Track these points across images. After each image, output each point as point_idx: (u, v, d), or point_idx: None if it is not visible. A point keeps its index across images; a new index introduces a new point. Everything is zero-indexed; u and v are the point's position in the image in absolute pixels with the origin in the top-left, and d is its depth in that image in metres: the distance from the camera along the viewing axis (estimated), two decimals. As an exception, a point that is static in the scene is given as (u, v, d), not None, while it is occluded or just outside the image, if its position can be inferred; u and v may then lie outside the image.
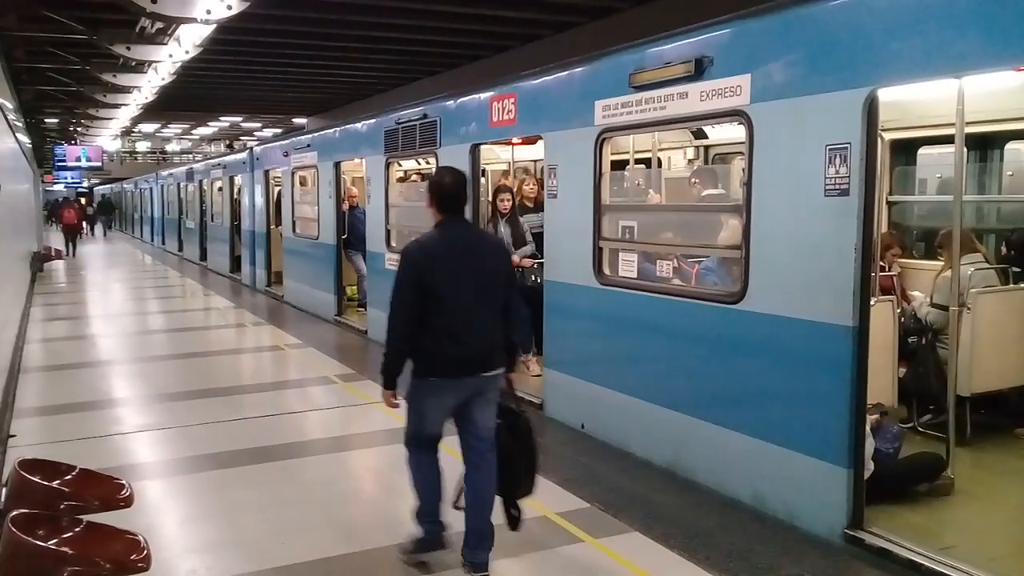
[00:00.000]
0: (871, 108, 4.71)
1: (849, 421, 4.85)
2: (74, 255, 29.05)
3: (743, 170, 5.65)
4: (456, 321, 4.52)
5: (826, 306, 4.96)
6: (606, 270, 7.07)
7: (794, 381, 5.24)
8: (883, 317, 6.12)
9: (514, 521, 4.82)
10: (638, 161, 9.38)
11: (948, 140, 6.14)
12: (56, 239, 31.59)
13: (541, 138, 7.95)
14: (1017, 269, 6.94)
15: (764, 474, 5.45)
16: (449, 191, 4.76)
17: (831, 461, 4.95)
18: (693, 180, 7.34)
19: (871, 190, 4.78)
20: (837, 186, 4.88)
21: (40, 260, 22.75)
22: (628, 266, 6.92)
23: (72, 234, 30.74)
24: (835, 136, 4.88)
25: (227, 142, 48.31)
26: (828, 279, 4.94)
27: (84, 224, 38.88)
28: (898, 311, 6.59)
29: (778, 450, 5.32)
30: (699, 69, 5.89)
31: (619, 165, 8.78)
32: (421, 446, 4.76)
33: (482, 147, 9.18)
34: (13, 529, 3.16)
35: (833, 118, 4.91)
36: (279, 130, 44.08)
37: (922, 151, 8.14)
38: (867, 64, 4.73)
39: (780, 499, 5.33)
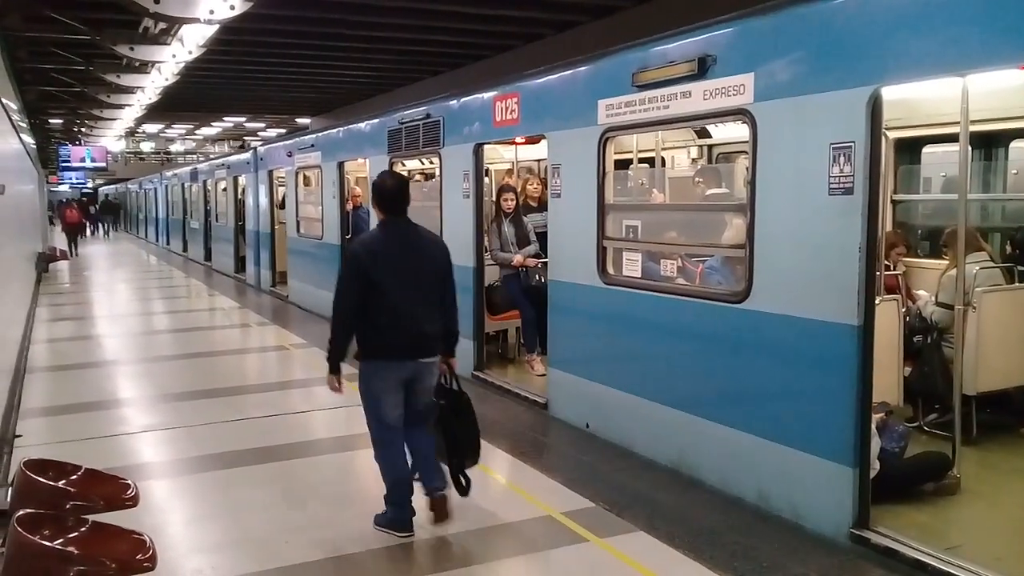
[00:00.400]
0: (875, 106, 4.70)
1: (855, 420, 4.84)
2: (76, 254, 29.35)
3: (747, 169, 5.65)
4: (397, 311, 5.00)
5: (830, 305, 4.95)
6: (610, 269, 7.07)
7: (799, 380, 5.24)
8: (888, 316, 6.11)
9: (463, 489, 5.29)
10: (642, 160, 9.38)
11: (953, 139, 6.13)
12: (60, 239, 31.64)
13: (544, 137, 7.94)
14: (1022, 268, 6.92)
15: (769, 473, 5.44)
16: (390, 193, 5.24)
17: (837, 460, 4.95)
18: (697, 179, 7.34)
19: (875, 189, 4.76)
20: (841, 185, 4.87)
21: (45, 261, 22.79)
22: (632, 265, 6.91)
23: (74, 234, 31.27)
24: (839, 135, 4.88)
25: (240, 143, 48.34)
26: (832, 278, 4.93)
27: (87, 224, 39.43)
28: (903, 310, 6.57)
29: (783, 449, 5.31)
30: (702, 68, 5.88)
31: (622, 165, 8.78)
32: (387, 438, 5.19)
33: (486, 147, 9.16)
34: (19, 529, 3.16)
35: (837, 117, 4.90)
36: (283, 130, 44.09)
37: (926, 150, 8.13)
38: (870, 62, 4.72)
39: (785, 498, 5.32)
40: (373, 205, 5.37)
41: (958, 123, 5.40)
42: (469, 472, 5.33)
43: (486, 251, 9.29)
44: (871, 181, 4.74)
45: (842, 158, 4.86)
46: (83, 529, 3.47)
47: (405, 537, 5.17)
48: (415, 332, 5.07)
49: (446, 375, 5.36)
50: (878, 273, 5.61)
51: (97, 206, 51.55)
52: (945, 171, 7.97)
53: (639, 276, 6.85)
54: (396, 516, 5.22)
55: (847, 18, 4.93)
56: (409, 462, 5.27)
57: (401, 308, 5.01)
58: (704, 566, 4.72)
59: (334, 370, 5.17)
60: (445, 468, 5.27)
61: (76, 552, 3.31)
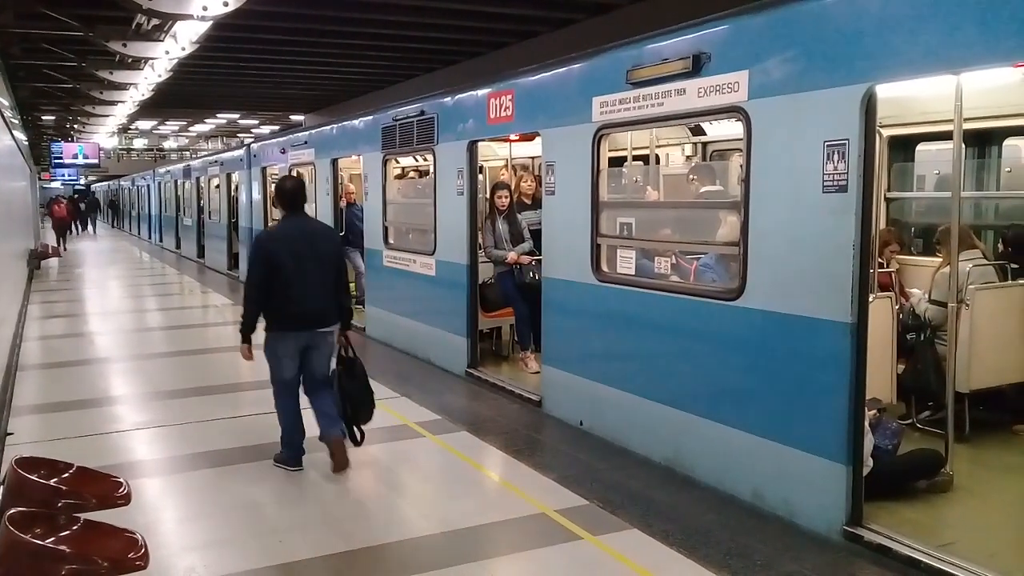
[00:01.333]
0: (869, 104, 4.70)
1: (848, 417, 4.84)
2: (64, 249, 29.74)
3: (741, 166, 5.65)
4: (294, 290, 6.04)
5: (824, 302, 4.96)
6: (604, 267, 7.06)
7: (792, 377, 5.24)
8: (882, 313, 6.12)
9: (356, 440, 6.46)
10: (636, 158, 9.37)
11: (946, 136, 6.14)
12: (51, 236, 31.61)
13: (539, 134, 7.93)
14: (1015, 265, 6.93)
15: (763, 471, 5.44)
16: (289, 194, 6.39)
17: (830, 458, 4.95)
18: (691, 176, 7.34)
19: (869, 187, 4.76)
20: (835, 182, 4.87)
21: (37, 258, 22.72)
22: (626, 263, 6.91)
23: (63, 230, 32.60)
24: (833, 132, 4.88)
25: (242, 140, 48.31)
26: (826, 275, 4.94)
27: (75, 220, 40.45)
28: (897, 308, 6.59)
29: (777, 447, 5.31)
30: (697, 65, 5.88)
31: (617, 162, 8.77)
32: (283, 392, 6.35)
33: (481, 144, 9.16)
34: (10, 528, 3.14)
35: (831, 114, 4.90)
36: (276, 127, 44.00)
37: (920, 147, 8.14)
38: (864, 60, 4.72)
39: (779, 496, 5.33)
40: (274, 204, 6.58)
41: (951, 121, 5.40)
42: (364, 427, 6.48)
43: (479, 248, 9.29)
44: (865, 179, 4.73)
45: (836, 155, 4.86)
46: (75, 527, 3.44)
47: (295, 470, 6.30)
48: (309, 307, 6.14)
49: (344, 346, 6.40)
50: (872, 271, 5.62)
51: (86, 202, 51.69)
52: (938, 169, 7.98)
53: (633, 273, 6.85)
54: (289, 455, 6.37)
55: (840, 16, 4.93)
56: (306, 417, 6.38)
57: (297, 288, 6.05)
58: (698, 564, 4.72)
59: (246, 340, 6.25)
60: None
61: (68, 551, 3.28)
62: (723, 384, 5.82)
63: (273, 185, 17.26)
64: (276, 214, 16.10)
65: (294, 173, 15.61)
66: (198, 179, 25.07)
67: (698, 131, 10.05)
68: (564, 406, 7.58)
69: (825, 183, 4.92)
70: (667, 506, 5.61)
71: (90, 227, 46.19)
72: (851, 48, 4.81)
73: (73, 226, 40.17)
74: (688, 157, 10.37)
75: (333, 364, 6.41)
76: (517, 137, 10.24)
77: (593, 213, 7.07)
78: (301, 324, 6.15)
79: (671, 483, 6.04)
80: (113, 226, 49.67)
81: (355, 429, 6.40)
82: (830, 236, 4.90)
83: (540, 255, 8.39)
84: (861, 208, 4.75)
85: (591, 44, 7.71)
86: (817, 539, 5.00)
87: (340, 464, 6.20)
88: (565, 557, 4.91)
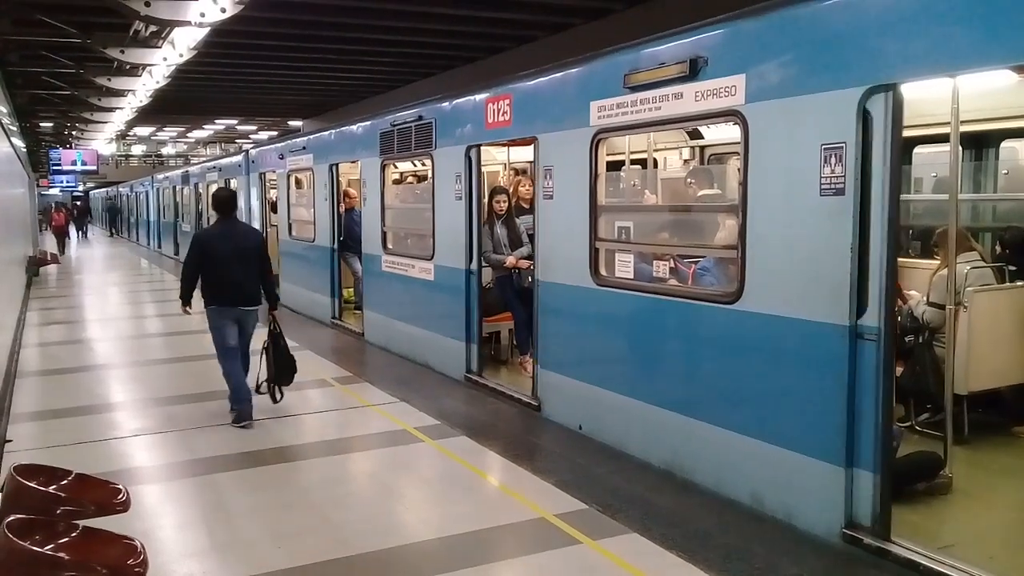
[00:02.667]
0: (866, 107, 4.71)
1: (876, 426, 4.78)
2: (62, 253, 30.75)
3: (739, 170, 5.65)
4: (222, 275, 7.66)
5: (822, 305, 4.96)
6: (602, 271, 7.07)
7: (791, 380, 5.24)
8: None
9: (275, 399, 8.03)
10: (634, 162, 9.38)
11: (943, 139, 6.14)
12: (49, 243, 31.65)
13: (536, 139, 7.92)
14: (1013, 267, 6.94)
15: (762, 474, 5.44)
16: (222, 201, 8.06)
17: (828, 460, 4.95)
18: (689, 180, 7.34)
19: (868, 190, 4.76)
20: (832, 185, 4.87)
21: (36, 264, 22.71)
22: (624, 267, 6.91)
23: (61, 236, 34.82)
24: (830, 135, 4.88)
25: (240, 146, 48.43)
26: (824, 278, 4.94)
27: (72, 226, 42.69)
28: (895, 310, 6.57)
29: (776, 449, 5.31)
30: (694, 69, 5.89)
31: (614, 166, 8.78)
32: (227, 356, 7.79)
33: (482, 148, 9.14)
34: (9, 535, 3.14)
35: (828, 117, 4.91)
36: (275, 132, 44.05)
37: (917, 150, 8.14)
38: (860, 63, 4.72)
39: (777, 499, 5.32)
40: (211, 209, 8.26)
41: (948, 123, 5.40)
42: (285, 390, 8.12)
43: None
44: (863, 182, 4.74)
45: (833, 159, 4.87)
46: (74, 534, 3.46)
47: (244, 427, 7.57)
48: (235, 289, 7.70)
49: (272, 322, 8.01)
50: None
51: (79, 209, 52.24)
52: (936, 171, 7.98)
53: (632, 277, 6.85)
54: (242, 410, 7.67)
55: (836, 19, 4.94)
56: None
57: (225, 274, 7.65)
58: (698, 568, 4.71)
59: (184, 303, 7.98)
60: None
61: (67, 558, 3.30)
62: (722, 387, 5.82)
63: (273, 191, 17.36)
64: (273, 218, 16.16)
65: (292, 179, 15.66)
66: (196, 185, 25.05)
67: (696, 135, 10.06)
68: (563, 410, 7.58)
69: (823, 186, 4.93)
70: (667, 510, 5.61)
71: (80, 235, 46.70)
72: (847, 51, 4.82)
73: (71, 232, 41.05)
74: (686, 161, 10.38)
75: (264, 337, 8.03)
76: (506, 142, 10.21)
77: (591, 217, 7.07)
78: (229, 302, 7.72)
79: (670, 487, 6.04)
80: (112, 235, 49.60)
81: (278, 389, 8.04)
82: (828, 239, 4.91)
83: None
84: (859, 211, 4.75)
85: (588, 49, 7.73)
86: (816, 542, 4.99)
87: (246, 418, 7.71)
88: (564, 562, 4.90)
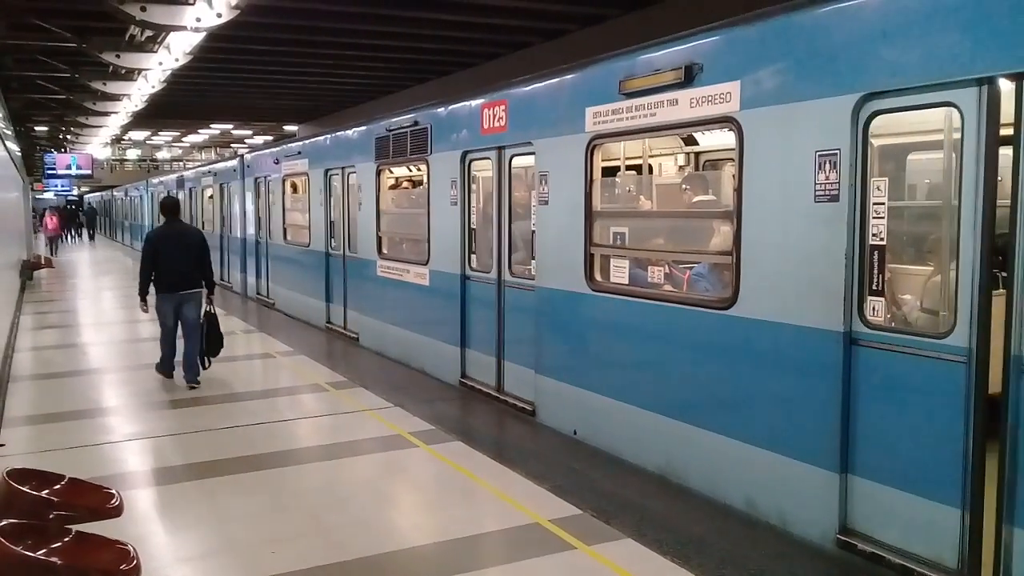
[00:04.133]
0: (860, 114, 4.73)
1: (965, 457, 4.35)
2: (54, 254, 31.60)
3: (734, 176, 5.67)
4: (169, 267, 9.37)
5: (816, 311, 4.97)
6: (598, 276, 7.07)
7: (785, 385, 5.25)
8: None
9: (206, 366, 9.68)
10: (629, 168, 9.37)
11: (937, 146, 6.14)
12: (43, 247, 31.63)
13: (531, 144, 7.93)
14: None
15: (756, 479, 5.45)
16: (168, 206, 9.96)
17: (822, 466, 4.96)
18: (684, 187, 7.35)
19: (865, 196, 4.76)
20: (827, 192, 4.89)
21: (30, 268, 22.65)
22: (620, 272, 6.92)
23: (53, 240, 35.39)
24: (824, 142, 4.91)
25: (235, 151, 48.42)
26: (818, 285, 4.96)
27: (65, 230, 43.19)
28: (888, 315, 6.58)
29: (770, 455, 5.32)
30: (689, 76, 5.91)
31: (609, 172, 8.77)
32: (166, 334, 9.61)
33: (473, 155, 9.16)
34: (1, 539, 3.13)
35: (822, 124, 4.93)
36: (270, 137, 44.03)
37: (911, 157, 8.14)
38: (855, 71, 4.74)
39: (772, 504, 5.33)
40: (160, 213, 10.12)
41: (942, 131, 5.40)
42: (213, 361, 9.84)
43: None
44: (862, 188, 4.74)
45: (828, 165, 4.89)
46: (67, 539, 3.45)
47: (168, 379, 9.65)
48: (177, 278, 9.40)
49: (209, 302, 9.67)
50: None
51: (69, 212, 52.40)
52: (929, 178, 7.98)
53: (627, 283, 6.86)
54: (165, 370, 9.78)
55: (831, 27, 4.96)
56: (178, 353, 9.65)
57: (171, 265, 9.37)
58: (692, 573, 4.72)
59: (142, 298, 9.66)
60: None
61: (59, 562, 3.29)
62: (716, 393, 5.83)
63: (270, 195, 17.33)
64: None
65: (287, 184, 15.66)
66: (191, 190, 25.03)
67: (691, 141, 10.07)
68: (557, 415, 7.59)
69: (817, 192, 4.95)
70: (661, 515, 5.61)
71: (71, 238, 46.80)
72: (842, 59, 4.84)
73: (64, 236, 41.73)
74: (681, 167, 10.38)
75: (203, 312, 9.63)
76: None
77: (587, 223, 7.08)
78: (173, 288, 9.41)
79: (665, 492, 6.04)
80: (92, 238, 49.80)
81: (207, 359, 9.68)
82: (822, 245, 4.93)
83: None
84: (854, 217, 4.77)
85: (584, 55, 7.75)
86: (811, 548, 5.00)
87: (191, 386, 9.38)
88: (558, 567, 4.89)
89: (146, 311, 9.61)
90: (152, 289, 9.53)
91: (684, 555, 4.94)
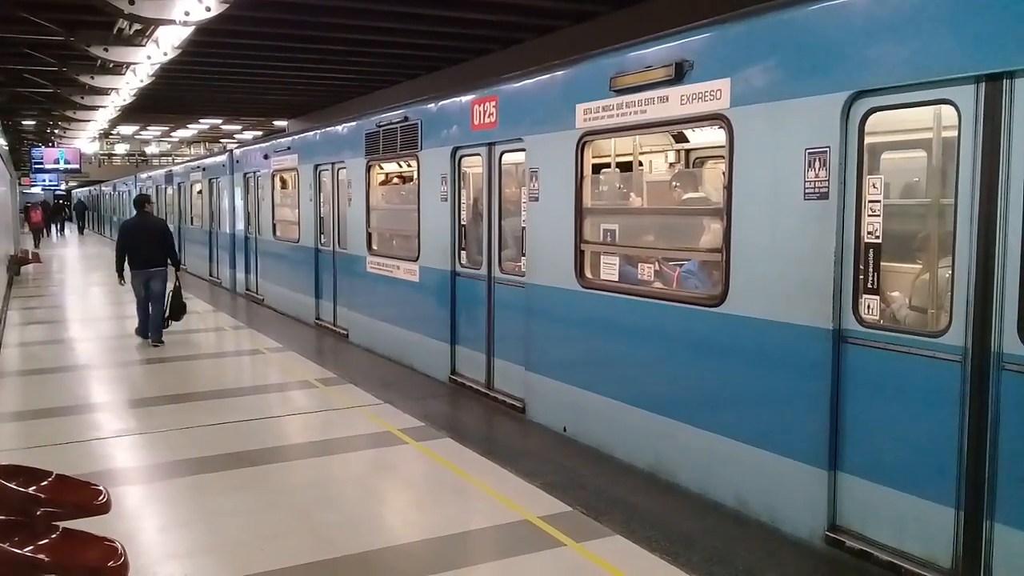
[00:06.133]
0: (850, 112, 4.73)
1: (959, 457, 4.30)
2: (36, 246, 32.78)
3: (723, 173, 5.67)
4: (138, 250, 11.59)
5: (805, 309, 4.98)
6: (588, 273, 7.08)
7: (774, 383, 5.26)
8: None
9: (167, 326, 11.85)
10: (619, 165, 9.38)
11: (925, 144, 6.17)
12: (28, 240, 31.49)
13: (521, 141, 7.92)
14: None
15: (745, 476, 5.46)
16: (139, 201, 12.11)
17: (809, 462, 4.97)
18: (674, 184, 7.36)
19: (860, 194, 4.76)
20: (816, 190, 4.90)
21: (17, 263, 22.52)
22: (610, 269, 6.92)
23: (37, 233, 38.09)
24: (814, 140, 4.91)
25: (224, 146, 48.26)
26: (808, 282, 4.97)
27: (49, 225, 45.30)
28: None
29: (758, 452, 5.33)
30: (679, 73, 5.91)
31: (598, 169, 8.77)
32: (139, 303, 11.70)
33: (463, 150, 9.15)
34: (-12, 537, 3.11)
35: (812, 122, 4.94)
36: (259, 132, 43.90)
37: (906, 154, 8.15)
38: (845, 68, 4.75)
39: (762, 501, 5.34)
40: (133, 205, 12.50)
41: (931, 128, 5.42)
42: (174, 324, 12.12)
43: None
44: (856, 185, 4.74)
45: (817, 163, 4.90)
46: (54, 536, 3.44)
47: (144, 341, 11.74)
48: (146, 258, 11.62)
49: (177, 279, 12.04)
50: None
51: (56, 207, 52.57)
52: (917, 176, 8.00)
53: (617, 280, 6.86)
54: (143, 332, 11.81)
55: (822, 24, 4.96)
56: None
57: (140, 248, 11.64)
58: (681, 570, 4.72)
59: (119, 274, 11.96)
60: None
61: (46, 559, 3.28)
62: (706, 390, 5.84)
63: (260, 190, 17.29)
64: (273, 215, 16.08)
65: (277, 179, 15.62)
66: (180, 185, 24.94)
67: (681, 138, 10.08)
68: (547, 412, 7.59)
69: (807, 190, 4.96)
70: (650, 512, 5.61)
71: (55, 233, 47.15)
72: (832, 56, 4.85)
73: (47, 230, 43.27)
74: (671, 164, 10.39)
75: (170, 287, 11.90)
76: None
77: (577, 219, 7.08)
78: (142, 266, 11.61)
79: (654, 489, 6.05)
80: (81, 231, 49.66)
81: (169, 322, 11.89)
82: (811, 243, 4.94)
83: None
84: (842, 215, 4.78)
85: (574, 51, 7.74)
86: (799, 545, 5.01)
87: (148, 337, 11.73)
88: (548, 564, 4.89)
89: (122, 283, 11.96)
90: (127, 267, 11.76)
91: (673, 552, 4.95)
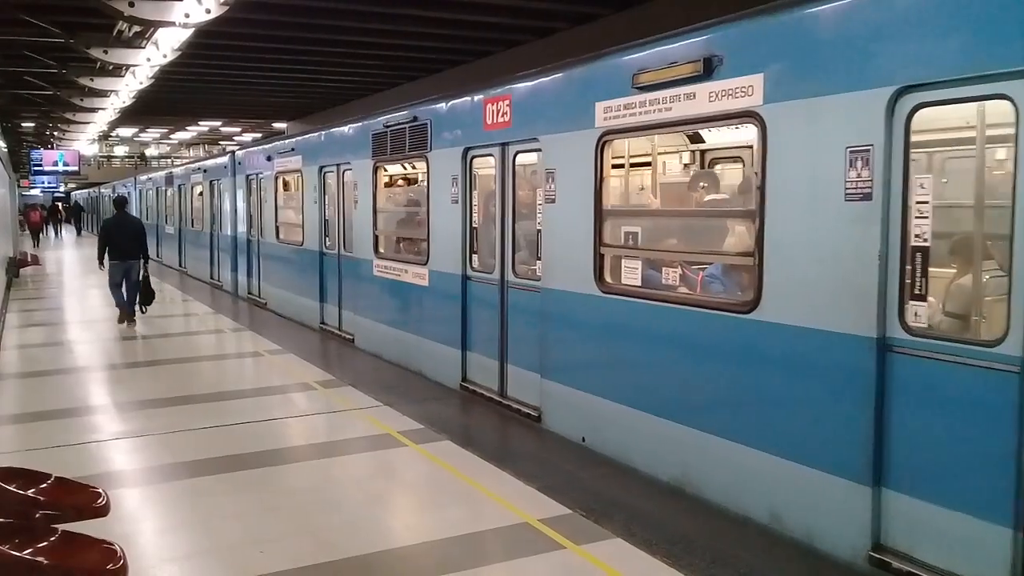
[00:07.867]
0: (896, 108, 4.52)
1: (1018, 475, 4.10)
2: (36, 246, 34.37)
3: (756, 174, 5.45)
4: (117, 243, 13.69)
5: (846, 316, 4.75)
6: (608, 277, 6.85)
7: (813, 393, 5.02)
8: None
9: (143, 311, 14.14)
10: (633, 165, 9.17)
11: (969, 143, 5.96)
12: (27, 242, 31.41)
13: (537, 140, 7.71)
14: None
15: (781, 492, 5.21)
16: (117, 202, 14.74)
17: (853, 479, 4.73)
18: (701, 184, 7.14)
19: (907, 195, 4.54)
20: (859, 190, 4.69)
21: (16, 266, 22.34)
22: (632, 273, 6.69)
23: (36, 233, 39.43)
24: (856, 138, 4.70)
25: (224, 148, 48.34)
26: (849, 288, 4.74)
27: (46, 225, 46.93)
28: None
29: (796, 467, 5.09)
30: (708, 68, 5.70)
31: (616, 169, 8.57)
32: (114, 288, 13.75)
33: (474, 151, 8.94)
34: (-14, 539, 3.00)
35: (854, 119, 4.72)
36: (259, 135, 43.86)
37: (959, 153, 7.94)
38: (890, 62, 4.53)
39: (798, 518, 5.09)
40: (113, 206, 15.10)
41: (974, 127, 5.22)
42: (146, 309, 14.21)
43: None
44: (903, 186, 4.52)
45: (859, 162, 4.68)
46: (53, 539, 3.43)
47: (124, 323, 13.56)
48: (123, 251, 13.56)
49: (144, 270, 13.88)
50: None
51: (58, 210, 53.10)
52: (968, 176, 7.78)
53: (639, 284, 6.63)
54: (120, 315, 13.63)
55: (864, 16, 4.75)
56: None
57: (119, 242, 13.57)
58: (681, 572, 4.63)
59: (100, 263, 14.04)
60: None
61: (45, 562, 3.27)
62: (736, 399, 5.60)
63: (262, 192, 17.11)
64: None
65: (280, 181, 15.44)
66: (180, 187, 24.74)
67: (696, 139, 9.87)
68: (565, 421, 7.34)
69: (848, 191, 4.74)
70: (650, 514, 5.54)
71: (53, 233, 48.14)
72: (875, 49, 4.63)
73: (45, 230, 44.80)
74: (686, 165, 10.18)
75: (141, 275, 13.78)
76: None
77: (596, 222, 6.86)
78: (120, 257, 13.55)
79: (654, 491, 5.98)
80: (79, 233, 49.98)
81: (142, 307, 13.90)
82: (853, 247, 4.71)
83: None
84: (887, 217, 4.55)
85: (575, 52, 7.58)
86: (839, 565, 4.79)
87: (124, 320, 13.69)
88: (548, 566, 4.83)
89: (101, 268, 13.96)
90: (107, 258, 13.71)
91: (673, 554, 4.87)
